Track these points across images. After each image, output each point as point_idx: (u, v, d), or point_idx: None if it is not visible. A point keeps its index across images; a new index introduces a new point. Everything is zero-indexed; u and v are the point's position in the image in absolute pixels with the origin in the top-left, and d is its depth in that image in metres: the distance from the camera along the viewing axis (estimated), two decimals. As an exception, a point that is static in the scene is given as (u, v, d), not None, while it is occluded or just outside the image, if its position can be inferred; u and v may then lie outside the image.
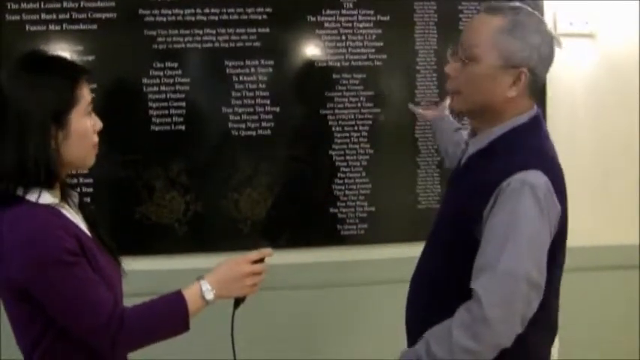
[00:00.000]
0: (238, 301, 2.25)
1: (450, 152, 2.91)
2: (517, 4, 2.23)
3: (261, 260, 2.21)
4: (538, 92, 2.32)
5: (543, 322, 2.26)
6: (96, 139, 2.09)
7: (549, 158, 2.18)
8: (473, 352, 2.03)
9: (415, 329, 2.30)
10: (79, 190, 3.26)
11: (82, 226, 2.07)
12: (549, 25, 3.70)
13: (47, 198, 1.97)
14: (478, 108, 2.22)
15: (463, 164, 2.32)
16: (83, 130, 2.02)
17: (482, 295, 2.00)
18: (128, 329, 1.95)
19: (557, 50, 2.23)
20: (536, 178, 2.05)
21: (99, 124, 2.10)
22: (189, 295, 2.07)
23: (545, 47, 2.16)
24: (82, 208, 2.15)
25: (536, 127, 2.23)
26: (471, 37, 2.19)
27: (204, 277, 2.12)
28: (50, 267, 1.89)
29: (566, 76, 3.86)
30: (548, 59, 2.18)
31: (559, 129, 3.84)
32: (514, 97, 2.16)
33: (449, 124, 3.02)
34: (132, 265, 3.30)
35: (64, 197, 2.07)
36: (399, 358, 2.23)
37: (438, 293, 2.26)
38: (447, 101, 2.54)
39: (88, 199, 3.38)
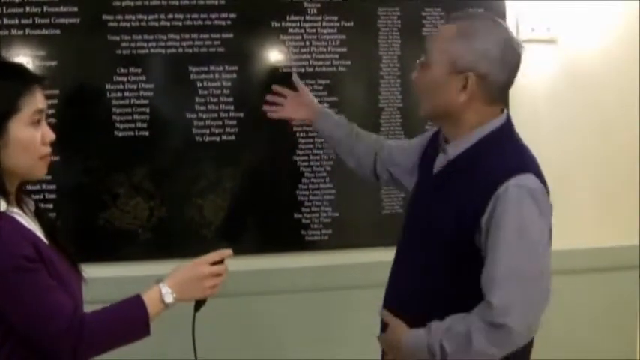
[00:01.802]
0: (199, 304, 2.25)
1: (384, 160, 2.86)
2: (476, 11, 2.43)
3: (221, 261, 2.20)
4: (502, 96, 2.34)
5: None
6: (45, 150, 2.03)
7: (535, 161, 2.24)
8: (491, 356, 2.09)
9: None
10: (42, 196, 3.31)
11: (39, 233, 2.04)
12: (511, 30, 3.79)
13: (1, 206, 1.94)
14: (437, 114, 2.29)
15: (440, 171, 2.33)
16: (25, 139, 1.97)
17: (503, 306, 2.03)
18: (88, 335, 1.94)
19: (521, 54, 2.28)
20: (532, 181, 2.11)
21: (50, 135, 2.04)
22: (149, 298, 2.06)
23: (496, 51, 2.18)
24: (39, 216, 2.12)
25: (512, 131, 2.30)
26: (427, 46, 2.28)
27: (163, 280, 2.11)
28: (7, 273, 1.87)
29: (528, 82, 3.88)
30: (502, 63, 2.20)
31: (521, 134, 3.87)
32: (469, 102, 2.20)
33: (336, 126, 2.99)
34: (96, 271, 3.30)
35: (20, 205, 2.05)
36: (405, 342, 2.24)
37: (436, 304, 2.23)
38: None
39: (51, 206, 3.36)
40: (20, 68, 2.15)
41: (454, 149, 2.28)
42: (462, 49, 2.18)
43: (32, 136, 1.99)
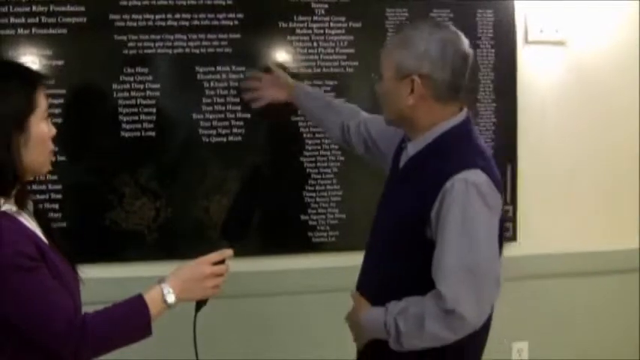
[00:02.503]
0: (200, 304, 2.25)
1: (354, 136, 3.00)
2: (422, 20, 2.62)
3: (222, 261, 2.20)
4: (453, 95, 2.38)
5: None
6: (52, 145, 2.09)
7: (486, 157, 2.33)
8: (445, 340, 2.21)
9: None
10: (47, 196, 3.30)
11: (39, 233, 2.05)
12: (520, 31, 3.79)
13: (5, 205, 1.95)
14: (395, 119, 2.44)
15: (402, 167, 2.47)
16: (42, 135, 2.02)
17: (453, 296, 2.13)
18: (90, 337, 1.93)
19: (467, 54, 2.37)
20: (477, 176, 2.20)
21: (53, 131, 2.09)
22: (151, 299, 2.05)
23: (434, 51, 2.29)
24: (38, 216, 2.12)
25: (469, 129, 2.39)
26: (381, 57, 2.43)
27: (164, 280, 2.11)
28: (9, 273, 1.86)
29: (536, 83, 3.89)
30: (442, 62, 2.29)
31: (529, 136, 3.88)
32: (419, 104, 2.32)
33: (313, 99, 3.19)
34: (102, 272, 3.30)
35: (19, 204, 2.04)
36: (363, 318, 2.41)
37: (390, 294, 2.34)
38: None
39: (57, 206, 3.36)
40: (26, 67, 2.18)
41: (413, 147, 2.41)
42: (403, 55, 2.31)
43: (47, 132, 2.05)
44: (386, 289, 2.39)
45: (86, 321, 1.94)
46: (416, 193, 2.30)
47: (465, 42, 2.37)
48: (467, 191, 2.18)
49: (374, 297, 2.44)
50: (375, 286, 2.49)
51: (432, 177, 2.25)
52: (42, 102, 2.02)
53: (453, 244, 2.17)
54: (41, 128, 2.02)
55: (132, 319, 2.03)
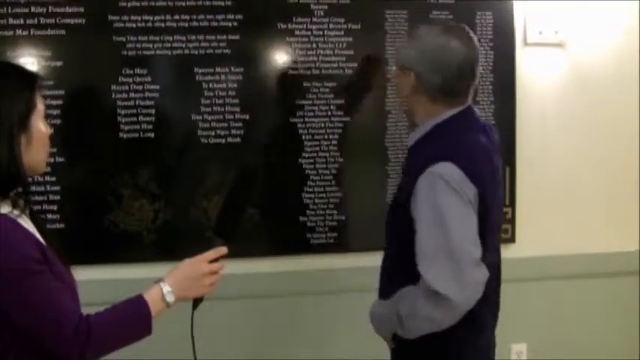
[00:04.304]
0: (197, 302, 2.25)
1: None
2: (438, 19, 2.85)
3: (217, 259, 2.22)
4: (444, 97, 2.49)
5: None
6: (49, 145, 2.10)
7: (466, 150, 2.42)
8: (440, 322, 2.33)
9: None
10: (45, 197, 3.30)
11: (38, 235, 2.04)
12: (519, 33, 3.79)
13: (4, 207, 1.94)
14: (406, 110, 2.72)
15: (404, 157, 2.74)
16: (43, 134, 2.04)
17: (431, 277, 2.26)
18: (95, 339, 1.93)
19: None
20: (445, 168, 2.32)
21: (50, 130, 2.10)
22: (151, 298, 2.06)
23: (429, 55, 2.44)
24: (33, 217, 2.11)
25: (458, 125, 2.49)
26: None
27: (163, 279, 2.12)
28: (17, 276, 1.86)
29: (536, 85, 3.89)
30: (434, 67, 2.43)
31: (528, 138, 3.88)
32: (415, 97, 2.50)
33: None
34: (100, 273, 3.30)
35: (19, 206, 2.03)
36: (372, 315, 2.58)
37: (390, 275, 2.59)
38: None
39: (55, 207, 3.36)
40: (24, 68, 2.19)
41: (412, 138, 2.59)
42: (408, 50, 2.51)
43: (46, 131, 2.06)
44: (389, 272, 2.61)
45: (91, 323, 1.94)
46: (404, 182, 2.50)
47: (470, 48, 2.47)
48: (434, 182, 2.31)
49: (384, 282, 2.63)
50: (382, 271, 2.66)
51: (414, 167, 2.40)
52: (39, 102, 2.03)
53: (427, 230, 2.31)
54: (42, 128, 2.03)
55: (134, 319, 2.04)
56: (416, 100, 2.52)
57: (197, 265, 2.18)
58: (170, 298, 2.09)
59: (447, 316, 2.32)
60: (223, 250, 2.23)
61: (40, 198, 3.29)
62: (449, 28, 2.52)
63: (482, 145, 2.49)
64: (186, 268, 2.18)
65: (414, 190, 2.35)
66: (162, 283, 2.10)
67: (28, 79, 2.03)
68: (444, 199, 2.30)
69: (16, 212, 1.96)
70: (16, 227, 1.93)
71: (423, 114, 2.52)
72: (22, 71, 2.10)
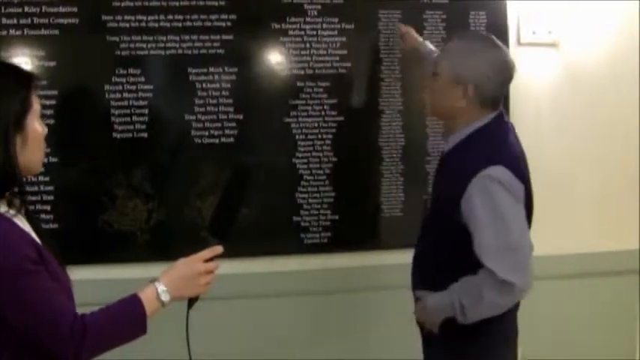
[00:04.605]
0: (192, 301, 2.24)
1: None
2: (478, 32, 3.03)
3: (212, 259, 2.21)
4: (493, 104, 2.72)
5: None
6: (45, 145, 2.10)
7: (510, 154, 2.67)
8: (503, 306, 2.61)
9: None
10: (39, 197, 3.30)
11: (34, 235, 2.04)
12: (512, 33, 3.80)
13: (1, 207, 1.94)
14: (440, 113, 2.83)
15: (440, 159, 2.87)
16: (39, 134, 2.03)
17: (500, 270, 2.49)
18: (90, 338, 1.93)
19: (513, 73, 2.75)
20: (497, 171, 2.54)
21: (45, 130, 2.09)
22: (146, 297, 2.06)
23: (489, 70, 2.65)
24: (28, 217, 2.11)
25: (498, 128, 2.73)
26: (438, 56, 2.79)
27: (158, 278, 2.12)
28: (14, 276, 1.86)
29: (529, 85, 3.89)
30: (494, 80, 2.67)
31: (523, 138, 3.86)
32: (465, 107, 2.68)
33: (427, 49, 3.58)
34: (94, 273, 3.30)
35: (15, 206, 2.03)
36: (430, 304, 2.72)
37: (432, 267, 2.78)
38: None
39: (49, 207, 3.35)
40: (20, 68, 2.18)
41: (450, 142, 2.77)
42: (463, 64, 2.65)
43: (42, 131, 2.06)
44: (426, 266, 2.82)
45: (86, 323, 1.94)
46: (450, 183, 2.67)
47: (512, 62, 2.73)
48: (490, 185, 2.53)
49: (422, 277, 2.84)
50: (418, 264, 2.88)
51: (463, 170, 2.59)
52: (36, 102, 2.03)
53: (489, 229, 2.53)
54: (38, 128, 2.02)
55: (129, 318, 2.04)
56: (464, 108, 2.68)
57: (192, 264, 2.18)
58: (165, 298, 2.08)
59: (510, 301, 2.61)
60: (218, 249, 2.23)
61: (34, 198, 3.28)
62: (493, 43, 2.72)
63: (516, 145, 2.78)
64: (182, 267, 2.18)
65: (465, 194, 2.55)
66: (158, 283, 2.10)
67: (25, 78, 2.03)
68: (501, 199, 2.54)
69: (12, 212, 1.96)
70: (13, 227, 1.93)
71: (468, 120, 2.70)
72: (18, 71, 2.09)
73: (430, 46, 3.60)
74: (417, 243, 2.93)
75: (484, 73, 2.65)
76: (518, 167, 2.65)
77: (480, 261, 2.55)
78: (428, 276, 2.81)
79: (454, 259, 2.66)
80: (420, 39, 3.66)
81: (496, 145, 2.67)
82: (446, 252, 2.70)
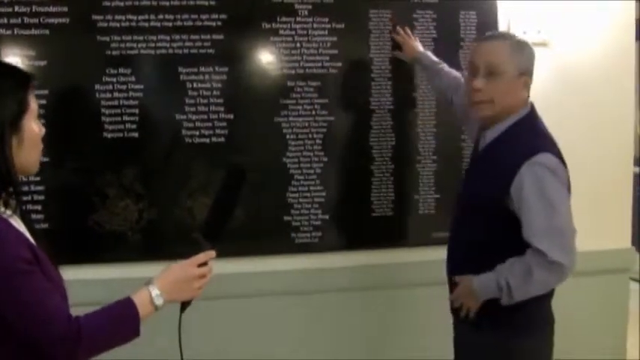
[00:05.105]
0: (185, 305, 2.25)
1: (455, 101, 3.47)
2: (508, 32, 3.11)
3: (205, 263, 2.22)
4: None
5: None
6: (42, 145, 2.09)
7: (554, 143, 2.84)
8: (551, 284, 2.81)
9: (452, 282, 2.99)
10: (30, 197, 3.29)
11: (28, 235, 2.04)
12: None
13: None
14: (502, 110, 2.85)
15: (482, 150, 2.95)
16: (36, 135, 2.03)
17: (549, 250, 2.65)
18: (85, 340, 1.93)
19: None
20: (545, 158, 2.71)
21: (43, 130, 2.09)
22: (140, 301, 2.06)
23: (533, 61, 2.88)
24: (23, 218, 2.11)
25: (536, 117, 2.91)
26: (491, 58, 2.83)
27: (152, 282, 2.12)
28: (6, 275, 1.86)
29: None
30: (533, 70, 2.90)
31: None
32: (525, 98, 2.87)
33: (429, 61, 3.65)
34: (85, 273, 3.29)
35: (10, 207, 2.03)
36: (476, 285, 2.81)
37: (479, 250, 2.86)
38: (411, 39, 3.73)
39: (40, 207, 3.35)
40: (16, 67, 2.17)
41: (491, 134, 2.89)
42: (521, 57, 2.83)
43: (39, 132, 2.05)
44: (473, 253, 2.89)
45: (81, 324, 1.94)
46: (497, 172, 2.78)
47: None
48: (540, 171, 2.69)
49: (464, 262, 2.94)
50: (463, 252, 2.97)
51: (510, 159, 2.74)
52: (33, 102, 2.03)
53: (539, 213, 2.68)
54: (34, 129, 2.02)
55: (123, 322, 2.04)
56: (524, 100, 2.87)
57: (187, 268, 2.18)
58: (159, 302, 2.09)
59: (558, 279, 2.76)
60: (212, 254, 2.24)
61: (25, 198, 3.28)
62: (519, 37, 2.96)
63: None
64: (176, 271, 2.18)
65: (514, 181, 2.70)
66: (152, 286, 2.10)
67: (22, 79, 2.03)
68: (549, 185, 2.70)
69: (8, 212, 1.96)
70: (8, 227, 1.93)
71: (519, 110, 2.86)
72: (16, 71, 2.09)
73: (432, 56, 3.65)
74: (454, 231, 3.05)
75: (533, 64, 2.87)
76: (559, 153, 2.81)
77: (530, 243, 2.69)
78: (471, 261, 2.89)
79: (499, 244, 2.79)
80: (421, 48, 3.71)
81: (540, 133, 2.85)
82: (492, 237, 2.81)
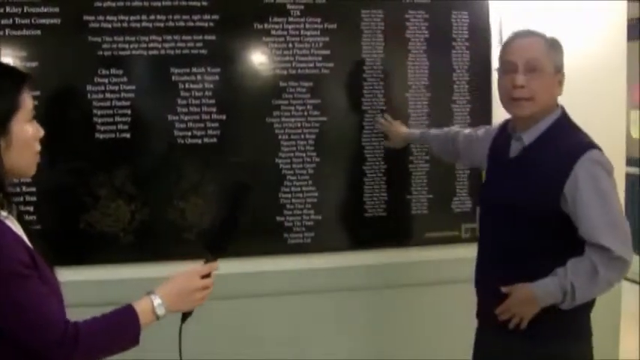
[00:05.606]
0: (186, 315, 2.25)
1: (457, 146, 3.43)
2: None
3: (209, 274, 2.23)
4: None
5: None
6: (38, 147, 2.05)
7: (589, 136, 2.81)
8: (615, 283, 2.71)
9: (491, 287, 2.82)
10: (22, 199, 3.28)
11: (25, 238, 2.01)
12: (495, 33, 3.82)
13: None
14: (540, 109, 2.79)
15: (517, 156, 2.86)
16: (25, 137, 1.98)
17: (614, 246, 2.60)
18: (82, 346, 1.92)
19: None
20: (595, 154, 2.70)
21: (41, 132, 2.05)
22: (141, 309, 2.05)
23: (563, 55, 2.86)
24: (20, 220, 2.10)
25: (570, 119, 2.87)
26: (531, 54, 2.79)
27: (154, 291, 2.11)
28: (4, 279, 1.84)
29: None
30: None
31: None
32: (560, 94, 2.86)
33: (417, 136, 3.68)
34: (77, 274, 3.28)
35: (5, 209, 2.01)
36: (538, 292, 2.69)
37: (524, 258, 2.77)
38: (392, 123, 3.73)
39: (32, 208, 3.34)
40: (10, 67, 2.16)
41: (529, 137, 2.82)
42: (557, 54, 2.83)
43: (32, 134, 2.01)
44: (516, 259, 2.79)
45: (79, 330, 1.93)
46: (545, 174, 2.71)
47: None
48: (594, 168, 2.66)
49: (504, 268, 2.82)
50: (500, 258, 2.86)
51: (558, 158, 2.69)
52: (27, 103, 1.99)
53: (598, 209, 2.63)
54: (25, 130, 1.98)
55: (123, 329, 2.03)
56: (555, 97, 2.85)
57: (190, 279, 2.18)
58: (160, 311, 2.08)
59: (620, 276, 2.72)
60: (215, 265, 2.24)
61: (17, 199, 3.26)
62: None
63: None
64: (180, 281, 2.17)
65: (568, 180, 2.64)
66: (154, 295, 2.09)
67: (13, 79, 1.99)
68: (604, 180, 2.67)
69: (4, 214, 1.95)
70: (6, 230, 1.92)
71: (554, 109, 2.83)
72: (6, 70, 2.06)
73: (416, 130, 3.72)
74: (486, 237, 2.99)
75: (563, 61, 2.85)
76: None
77: (591, 241, 2.64)
78: (519, 267, 2.79)
79: (548, 248, 2.73)
80: (405, 129, 3.75)
81: (581, 130, 2.83)
82: (539, 241, 2.74)
